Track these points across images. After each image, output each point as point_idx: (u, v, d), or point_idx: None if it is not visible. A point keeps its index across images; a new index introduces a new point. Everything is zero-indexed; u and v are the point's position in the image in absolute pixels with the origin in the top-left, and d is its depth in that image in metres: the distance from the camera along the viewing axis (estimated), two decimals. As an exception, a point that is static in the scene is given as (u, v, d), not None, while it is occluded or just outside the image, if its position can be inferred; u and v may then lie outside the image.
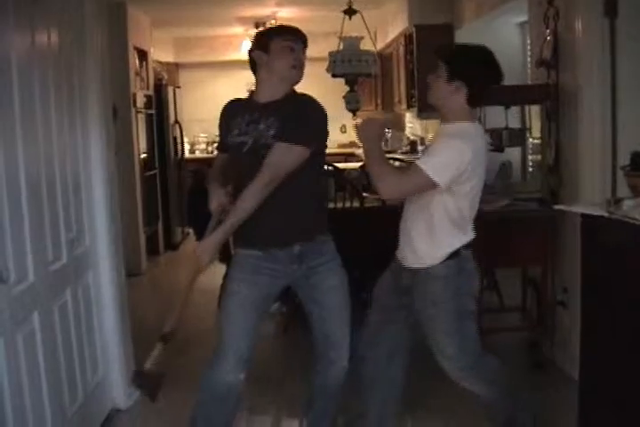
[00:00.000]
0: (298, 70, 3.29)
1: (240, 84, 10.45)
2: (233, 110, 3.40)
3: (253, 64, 3.32)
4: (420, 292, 3.29)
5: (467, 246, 3.27)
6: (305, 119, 3.19)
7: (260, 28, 3.54)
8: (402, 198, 3.28)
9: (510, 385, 3.46)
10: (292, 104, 3.23)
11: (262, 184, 3.11)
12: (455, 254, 3.23)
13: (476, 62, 3.20)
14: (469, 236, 3.29)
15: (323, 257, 3.35)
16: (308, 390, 3.59)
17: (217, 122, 3.46)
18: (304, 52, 3.36)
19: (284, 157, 3.13)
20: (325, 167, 5.97)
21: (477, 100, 3.23)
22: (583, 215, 3.37)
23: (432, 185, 3.06)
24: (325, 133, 3.28)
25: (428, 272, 3.25)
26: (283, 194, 3.16)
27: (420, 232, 3.25)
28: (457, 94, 3.15)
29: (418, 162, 3.09)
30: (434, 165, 3.05)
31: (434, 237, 3.23)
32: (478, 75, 3.17)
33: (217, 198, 3.33)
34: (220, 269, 4.84)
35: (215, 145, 3.98)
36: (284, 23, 9.85)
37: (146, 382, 3.40)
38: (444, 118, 3.26)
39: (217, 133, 3.54)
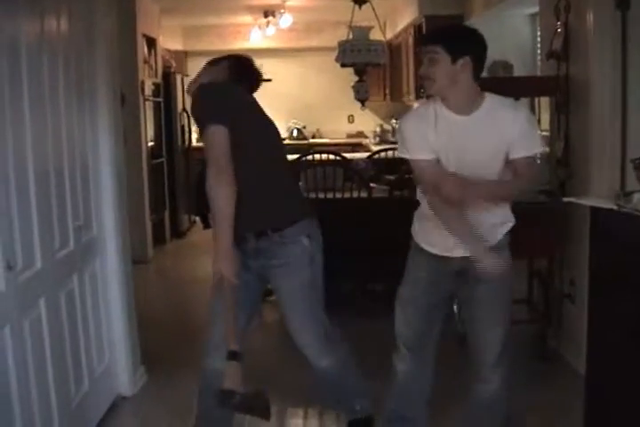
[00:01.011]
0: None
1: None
2: None
3: None
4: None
5: None
6: (199, 105, 3.24)
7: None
8: None
9: None
10: None
11: (211, 175, 3.08)
12: None
13: (469, 34, 3.06)
14: None
15: (274, 260, 3.28)
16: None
17: None
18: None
19: (207, 141, 3.14)
20: (334, 157, 6.00)
21: (481, 70, 3.06)
22: (592, 208, 3.37)
23: None
24: (224, 104, 3.21)
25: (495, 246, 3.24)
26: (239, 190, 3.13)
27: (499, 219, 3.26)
28: (465, 72, 2.96)
29: (533, 151, 3.10)
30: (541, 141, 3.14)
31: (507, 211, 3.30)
32: (477, 44, 3.02)
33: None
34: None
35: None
36: (293, 12, 9.90)
37: (252, 403, 3.24)
38: (466, 108, 3.03)
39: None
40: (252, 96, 3.47)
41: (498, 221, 3.22)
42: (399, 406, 3.53)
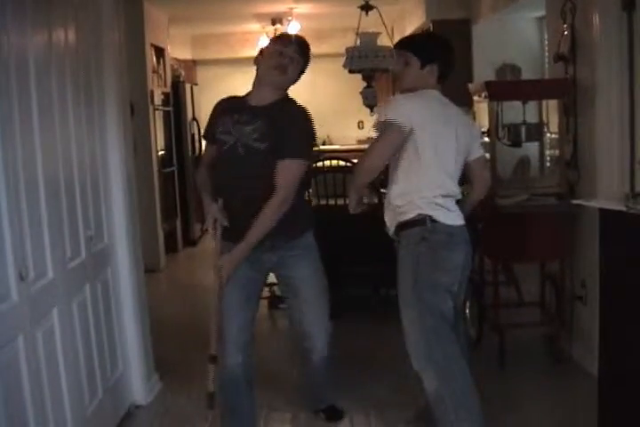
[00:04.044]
0: (279, 71, 3.41)
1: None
2: (224, 107, 3.58)
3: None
4: None
5: None
6: (300, 133, 3.40)
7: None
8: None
9: None
10: (282, 112, 3.40)
11: (277, 204, 3.34)
12: None
13: (440, 46, 3.58)
14: None
15: (294, 249, 3.54)
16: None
17: None
18: (297, 61, 3.49)
19: (292, 174, 3.34)
20: (344, 163, 6.01)
21: (446, 77, 3.55)
22: (601, 210, 3.36)
23: None
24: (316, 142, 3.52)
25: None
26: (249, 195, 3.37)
27: None
28: (430, 77, 3.49)
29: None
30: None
31: None
32: (444, 55, 3.54)
33: (212, 215, 3.47)
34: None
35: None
36: (301, 20, 9.93)
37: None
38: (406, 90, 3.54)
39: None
40: None
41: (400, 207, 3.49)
42: None
